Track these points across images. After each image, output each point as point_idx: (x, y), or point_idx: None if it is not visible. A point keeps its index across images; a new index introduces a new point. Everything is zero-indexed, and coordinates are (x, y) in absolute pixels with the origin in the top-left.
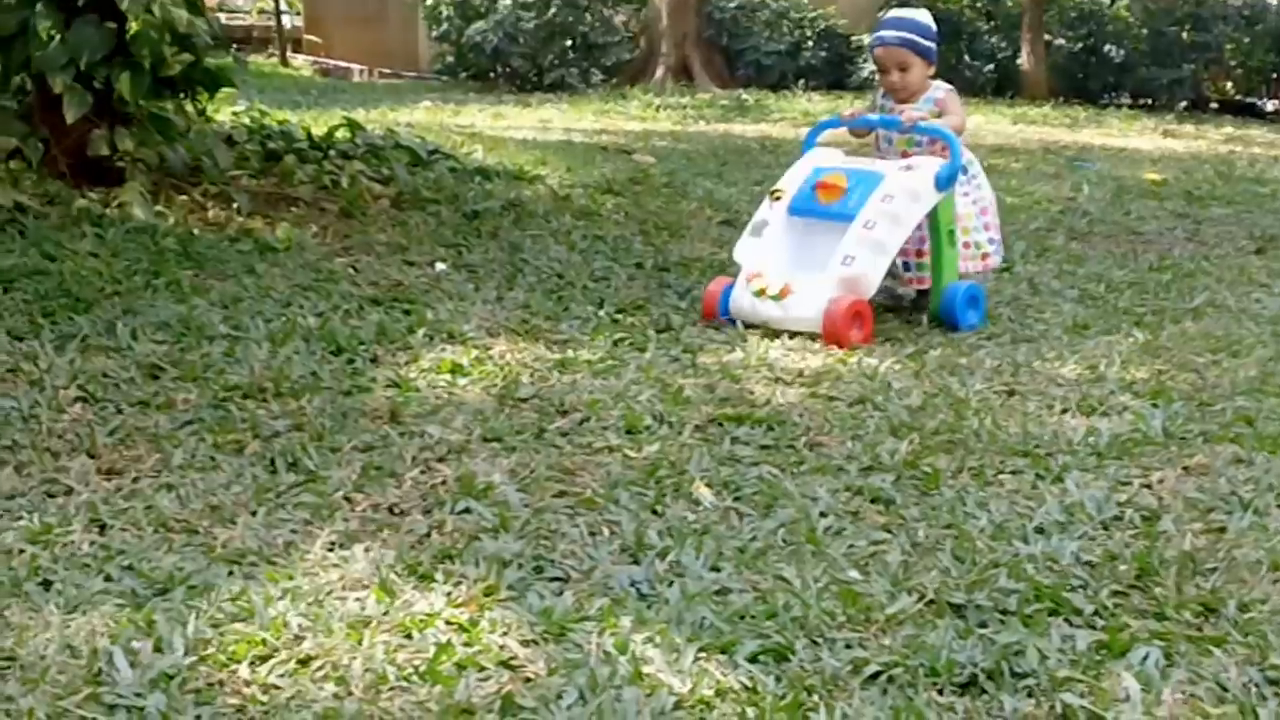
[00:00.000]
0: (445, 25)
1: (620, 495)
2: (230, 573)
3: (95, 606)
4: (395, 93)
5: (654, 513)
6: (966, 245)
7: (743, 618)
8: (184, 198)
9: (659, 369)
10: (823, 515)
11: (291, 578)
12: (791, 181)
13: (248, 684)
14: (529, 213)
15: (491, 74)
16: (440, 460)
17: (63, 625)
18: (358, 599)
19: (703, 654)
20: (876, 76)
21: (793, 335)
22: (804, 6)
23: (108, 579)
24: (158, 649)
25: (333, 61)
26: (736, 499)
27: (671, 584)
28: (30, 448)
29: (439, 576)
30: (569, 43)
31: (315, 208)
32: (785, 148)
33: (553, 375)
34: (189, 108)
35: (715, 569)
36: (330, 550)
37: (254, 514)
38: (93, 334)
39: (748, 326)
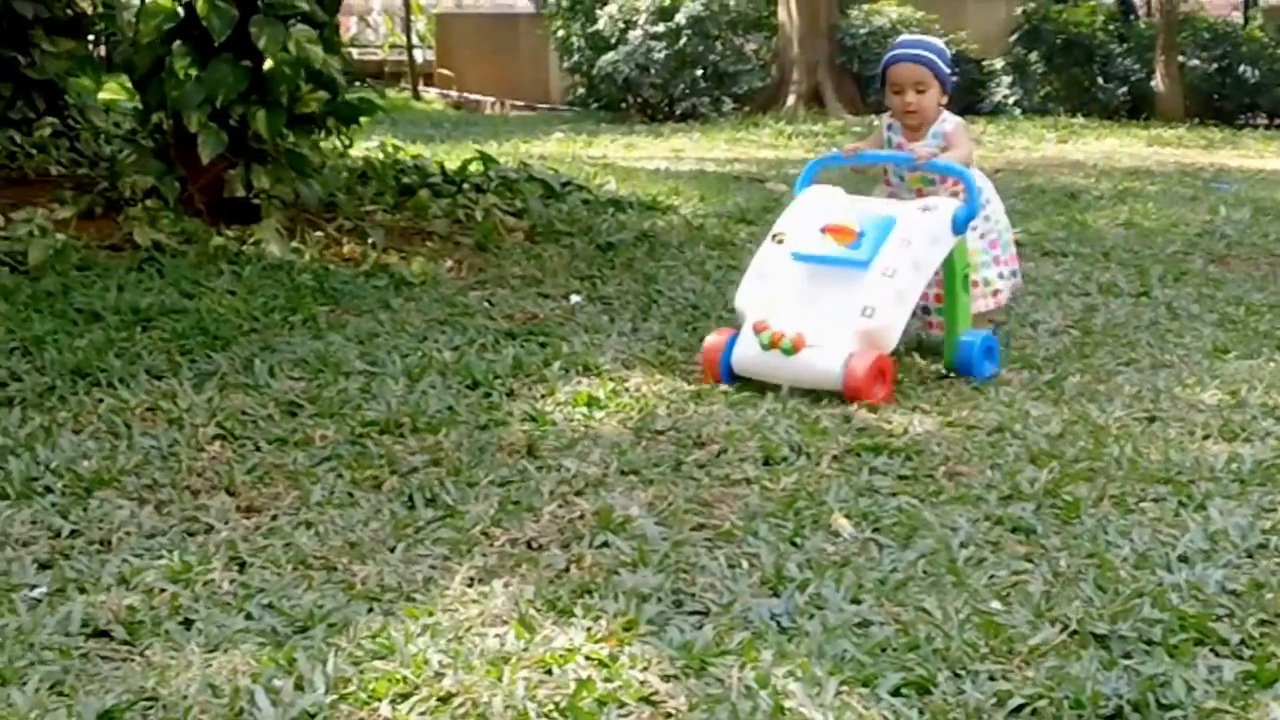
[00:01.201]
0: (576, 57)
1: (759, 527)
2: (370, 610)
3: (236, 645)
4: (527, 125)
5: (793, 544)
6: (975, 284)
7: (884, 650)
8: (319, 234)
9: (795, 399)
10: (963, 545)
11: (431, 614)
12: (792, 223)
13: None
14: (663, 243)
15: (623, 104)
16: (578, 494)
17: (204, 664)
18: (497, 635)
19: (844, 687)
20: (880, 117)
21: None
22: (936, 31)
23: (248, 617)
24: (299, 687)
25: (465, 94)
26: (876, 530)
27: (812, 617)
28: (170, 486)
29: (578, 611)
30: (700, 72)
31: (450, 242)
32: None
33: (689, 407)
34: (324, 144)
35: (855, 601)
36: (469, 586)
37: (393, 550)
38: (230, 371)
39: (744, 380)
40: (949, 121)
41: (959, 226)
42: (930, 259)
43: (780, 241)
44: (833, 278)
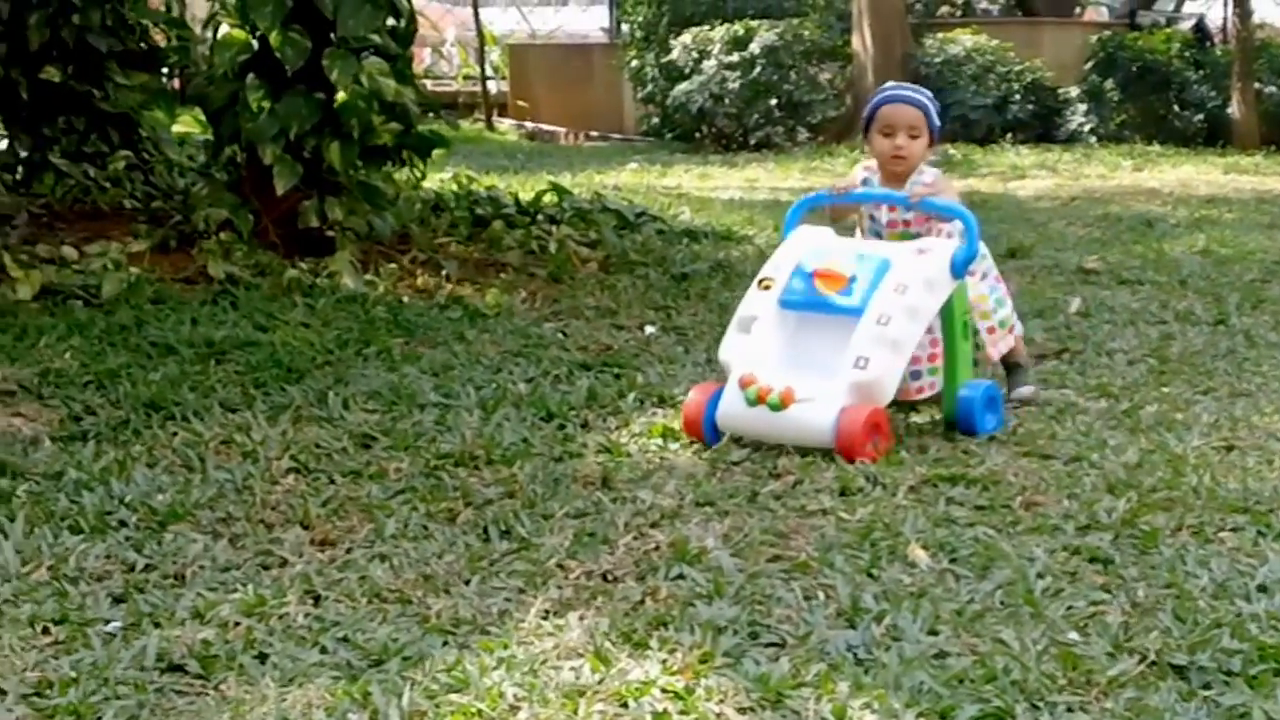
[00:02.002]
0: (650, 87)
1: (835, 558)
2: (445, 643)
3: (311, 679)
4: (601, 155)
5: (869, 576)
6: (992, 330)
7: (961, 682)
8: (393, 265)
9: None
10: (1040, 576)
11: (506, 647)
12: (780, 268)
13: None
14: (737, 273)
15: (697, 134)
16: (653, 526)
17: (279, 698)
18: (573, 668)
19: (921, 719)
20: (861, 160)
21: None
22: (1010, 60)
23: (323, 651)
24: None
25: (538, 125)
26: (953, 560)
27: (888, 648)
28: (245, 519)
29: (654, 644)
30: (774, 101)
31: (524, 273)
32: (994, 203)
33: None
34: (397, 176)
35: (932, 632)
36: (544, 618)
37: (467, 583)
38: (305, 404)
39: (736, 440)
40: (928, 173)
41: (958, 270)
42: (927, 305)
43: (767, 287)
44: (823, 326)
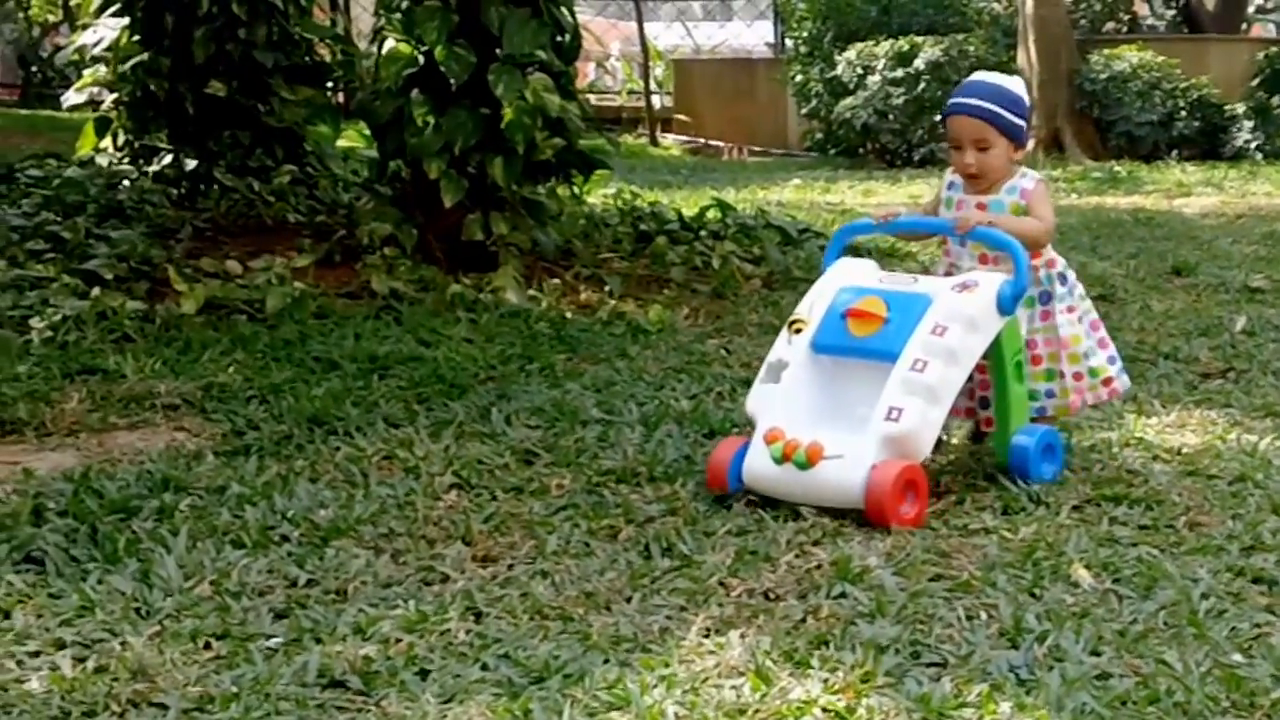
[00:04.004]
0: (814, 102)
1: (997, 578)
2: (606, 660)
3: (472, 696)
4: (764, 170)
5: (1032, 595)
6: (1079, 376)
7: (1124, 703)
8: (556, 281)
9: None
10: (1204, 597)
11: (667, 665)
12: (815, 307)
13: None
14: None
15: (861, 150)
16: (815, 544)
17: (440, 714)
18: (734, 686)
19: None
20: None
21: (1148, 412)
22: (1176, 76)
23: (484, 667)
24: None
25: (702, 140)
26: (1116, 581)
27: (1051, 669)
28: (407, 535)
29: (815, 662)
30: (939, 117)
31: (687, 289)
32: (1159, 220)
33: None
34: (561, 191)
35: (1095, 653)
36: (706, 636)
37: (629, 600)
38: (467, 420)
39: (765, 503)
40: (1029, 177)
41: (1005, 305)
42: (970, 347)
43: (798, 330)
44: (856, 373)
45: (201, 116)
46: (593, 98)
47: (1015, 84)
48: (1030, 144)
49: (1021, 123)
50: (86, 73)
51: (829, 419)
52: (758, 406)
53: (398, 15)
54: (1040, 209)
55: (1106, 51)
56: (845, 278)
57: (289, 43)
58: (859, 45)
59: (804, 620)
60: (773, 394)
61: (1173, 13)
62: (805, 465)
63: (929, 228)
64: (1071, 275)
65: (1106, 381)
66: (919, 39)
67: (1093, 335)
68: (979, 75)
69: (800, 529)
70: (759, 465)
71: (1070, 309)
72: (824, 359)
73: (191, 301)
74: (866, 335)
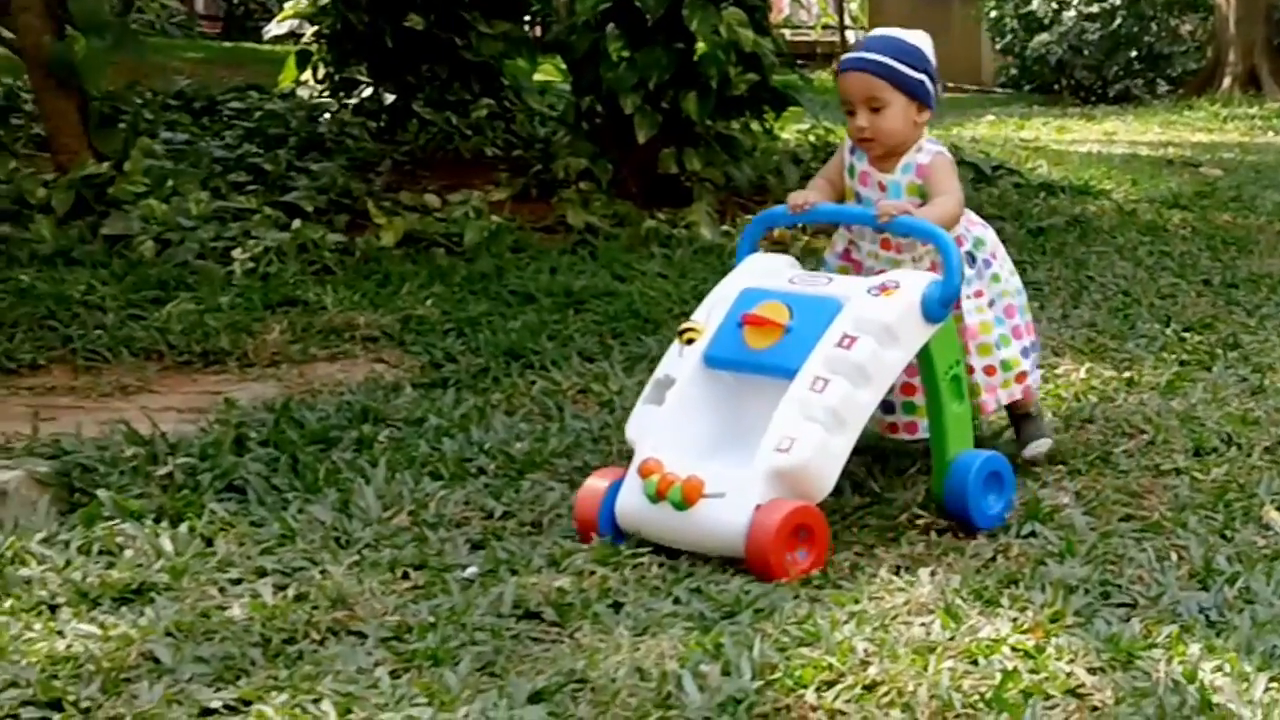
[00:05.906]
0: (1009, 38)
1: (1188, 519)
2: (796, 596)
3: (664, 629)
4: (958, 107)
5: (1223, 537)
6: (991, 370)
7: None
8: (749, 217)
9: (1227, 389)
10: None
11: (857, 601)
12: (713, 313)
13: (814, 709)
14: (1094, 228)
15: (1055, 86)
16: None
17: (632, 648)
18: (923, 624)
19: (1273, 684)
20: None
21: None
22: None
23: (676, 601)
24: (725, 672)
25: None
26: None
27: (1241, 611)
28: (601, 469)
29: (1004, 601)
30: (1134, 53)
31: None
32: None
33: (1119, 395)
34: (754, 127)
35: None
36: (895, 574)
37: None
38: (660, 354)
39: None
40: (926, 151)
41: (933, 311)
42: (886, 363)
43: (690, 341)
44: (752, 391)
45: (400, 50)
46: (787, 32)
47: (917, 36)
48: (1227, 81)
49: (922, 78)
50: (287, 5)
51: (724, 448)
52: (637, 432)
53: None
54: (944, 184)
55: None
56: (752, 277)
57: None
58: None
59: (994, 559)
60: (655, 417)
61: None
62: (681, 505)
63: (849, 218)
64: (985, 253)
65: (1020, 378)
66: None
67: (1005, 322)
68: (877, 30)
69: None
70: (631, 504)
71: (978, 293)
72: (721, 374)
73: (390, 234)
74: (764, 347)
